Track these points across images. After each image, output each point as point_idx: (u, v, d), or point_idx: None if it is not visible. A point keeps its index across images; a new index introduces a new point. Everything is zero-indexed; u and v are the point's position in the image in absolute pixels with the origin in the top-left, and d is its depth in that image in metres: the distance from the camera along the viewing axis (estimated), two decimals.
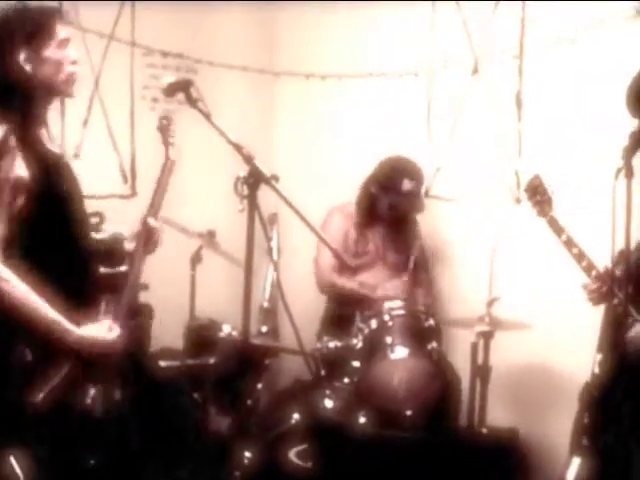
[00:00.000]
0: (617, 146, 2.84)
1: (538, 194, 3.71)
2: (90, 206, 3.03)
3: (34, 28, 2.56)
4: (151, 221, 3.00)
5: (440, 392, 4.10)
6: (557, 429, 3.99)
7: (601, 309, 3.46)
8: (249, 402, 3.97)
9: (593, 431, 3.28)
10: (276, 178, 2.85)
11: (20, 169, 2.48)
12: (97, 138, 4.59)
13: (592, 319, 3.44)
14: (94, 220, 3.16)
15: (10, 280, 2.44)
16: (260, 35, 5.40)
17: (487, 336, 4.06)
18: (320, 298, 4.73)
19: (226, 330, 4.22)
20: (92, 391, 2.59)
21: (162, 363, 4.05)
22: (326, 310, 4.73)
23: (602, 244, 2.93)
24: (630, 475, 3.05)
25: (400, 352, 4.10)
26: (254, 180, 2.81)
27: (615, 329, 3.23)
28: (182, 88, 2.89)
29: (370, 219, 4.64)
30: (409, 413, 4.01)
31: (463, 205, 4.69)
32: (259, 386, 4.15)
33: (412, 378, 4.04)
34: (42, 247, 2.54)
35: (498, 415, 4.31)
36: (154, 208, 3.05)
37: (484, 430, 4.12)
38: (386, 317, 4.14)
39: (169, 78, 2.94)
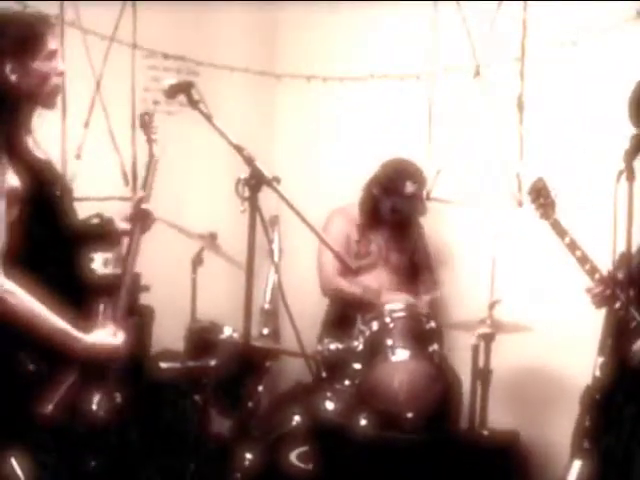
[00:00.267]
0: (618, 149, 2.84)
1: (541, 197, 3.71)
2: (91, 208, 3.04)
3: (22, 40, 2.54)
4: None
5: (441, 394, 4.10)
6: (558, 432, 3.98)
7: (602, 312, 3.46)
8: (250, 404, 3.97)
9: (594, 434, 3.28)
10: (277, 180, 2.84)
11: (12, 179, 2.48)
12: (98, 140, 4.59)
13: (593, 322, 3.44)
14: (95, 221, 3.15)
15: (15, 292, 2.44)
16: (261, 37, 5.40)
17: (488, 339, 4.06)
18: (321, 300, 4.73)
19: (227, 332, 4.21)
20: (96, 397, 2.58)
21: (163, 365, 4.04)
22: (327, 312, 4.73)
23: (603, 247, 2.92)
24: (631, 478, 3.05)
25: (401, 354, 4.09)
26: (255, 182, 2.81)
27: (617, 332, 3.23)
28: (183, 90, 2.88)
29: (373, 221, 4.64)
30: (410, 415, 4.01)
31: (464, 208, 4.69)
32: (260, 388, 4.14)
33: (413, 380, 4.04)
34: (35, 255, 2.54)
35: (499, 417, 4.31)
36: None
37: (485, 432, 4.12)
38: (387, 319, 4.14)
39: (170, 80, 2.94)
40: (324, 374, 4.15)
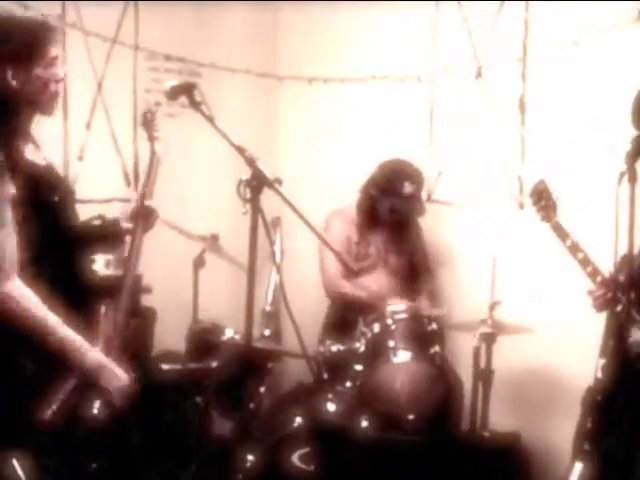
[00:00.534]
0: (620, 150, 2.84)
1: (543, 199, 3.70)
2: (93, 210, 3.05)
3: (25, 46, 2.53)
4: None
5: (442, 396, 4.10)
6: (559, 433, 3.98)
7: (604, 313, 3.45)
8: (252, 405, 3.97)
9: (595, 436, 3.27)
10: (279, 181, 2.84)
11: (12, 186, 2.48)
12: (100, 141, 4.60)
13: (594, 323, 3.44)
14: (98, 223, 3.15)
15: (29, 296, 2.42)
16: (263, 39, 5.40)
17: (489, 340, 4.06)
18: (323, 302, 4.73)
19: (229, 333, 4.21)
20: (97, 401, 2.57)
21: (164, 366, 4.04)
22: (329, 313, 4.72)
23: (605, 249, 2.92)
24: None
25: (403, 356, 4.10)
26: (257, 183, 2.81)
27: (618, 334, 3.22)
28: (185, 91, 2.88)
29: (371, 222, 4.64)
30: (411, 417, 4.01)
31: (465, 209, 4.69)
32: (262, 389, 4.14)
33: (414, 382, 4.05)
34: (35, 260, 2.53)
35: (500, 419, 4.31)
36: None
37: (486, 434, 4.12)
38: (389, 321, 4.14)
39: (172, 81, 2.93)
40: (325, 375, 4.15)
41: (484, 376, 4.10)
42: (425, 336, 4.15)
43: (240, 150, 2.82)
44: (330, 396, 4.10)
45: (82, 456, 2.63)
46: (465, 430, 4.27)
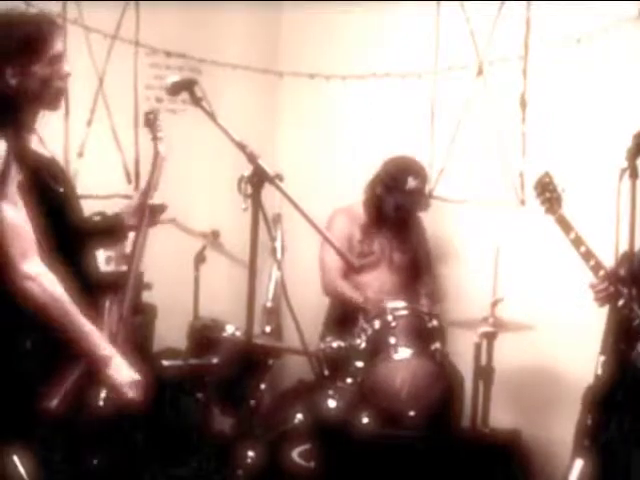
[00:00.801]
0: (621, 147, 2.84)
1: (547, 191, 3.68)
2: (94, 206, 3.04)
3: (24, 43, 2.51)
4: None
5: (443, 393, 4.10)
6: (560, 430, 3.98)
7: (605, 310, 3.45)
8: (252, 402, 3.96)
9: (596, 433, 3.27)
10: (280, 177, 2.84)
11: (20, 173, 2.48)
12: (101, 138, 4.60)
13: (596, 320, 3.43)
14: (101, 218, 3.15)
15: (54, 281, 2.42)
16: (264, 35, 5.40)
17: (490, 337, 4.07)
18: (324, 298, 4.73)
19: (229, 330, 4.21)
20: (103, 393, 2.57)
21: (165, 363, 4.04)
22: (330, 310, 4.73)
23: (606, 245, 2.92)
24: (631, 477, 3.04)
25: (403, 353, 4.10)
26: (258, 179, 2.81)
27: (619, 330, 3.22)
28: (186, 87, 2.88)
29: (377, 220, 4.64)
30: (412, 413, 4.01)
31: (467, 206, 4.69)
32: (262, 386, 4.14)
33: (415, 379, 4.05)
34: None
35: (501, 416, 4.31)
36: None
37: (487, 431, 4.12)
38: (390, 317, 4.14)
39: (173, 78, 2.94)
40: (326, 372, 4.15)
41: (485, 373, 4.10)
42: (426, 333, 4.15)
43: (241, 146, 2.82)
44: (331, 392, 4.09)
45: (83, 451, 2.63)
46: (466, 427, 4.27)
